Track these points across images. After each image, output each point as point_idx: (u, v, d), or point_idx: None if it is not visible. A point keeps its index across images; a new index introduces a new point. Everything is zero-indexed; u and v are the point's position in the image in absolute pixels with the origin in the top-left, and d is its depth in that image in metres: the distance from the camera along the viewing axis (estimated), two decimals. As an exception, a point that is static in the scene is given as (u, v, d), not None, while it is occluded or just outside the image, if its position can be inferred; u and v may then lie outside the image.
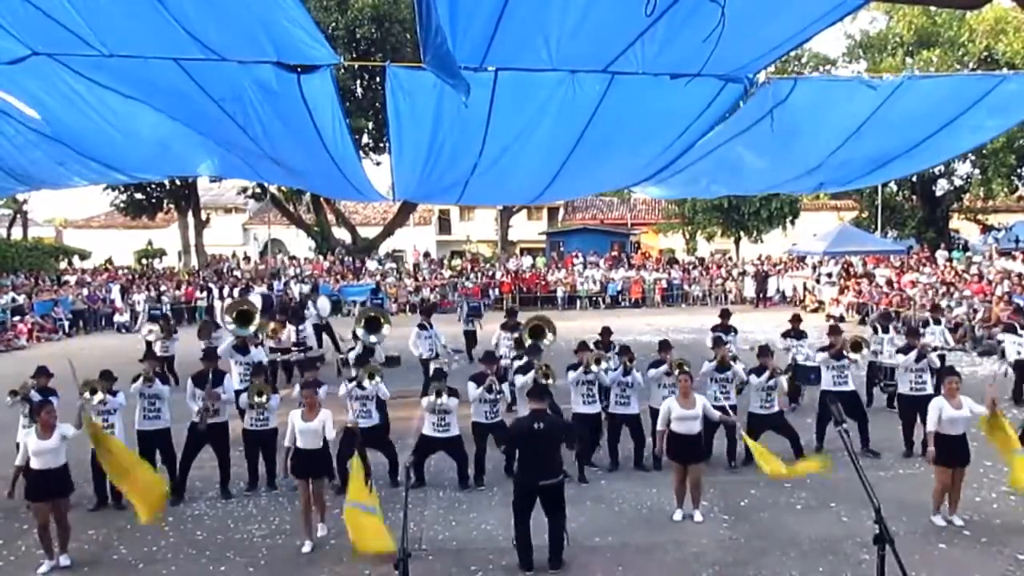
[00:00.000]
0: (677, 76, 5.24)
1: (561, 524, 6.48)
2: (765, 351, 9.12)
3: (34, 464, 6.63)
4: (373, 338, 9.86)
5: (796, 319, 11.91)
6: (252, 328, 10.50)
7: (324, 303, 15.78)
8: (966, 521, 7.15)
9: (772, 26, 4.69)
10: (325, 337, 15.64)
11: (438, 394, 8.16)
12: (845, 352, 9.38)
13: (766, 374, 8.74)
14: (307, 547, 6.93)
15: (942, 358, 10.68)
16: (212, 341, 12.00)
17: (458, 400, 8.36)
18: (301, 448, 7.07)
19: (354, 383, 8.41)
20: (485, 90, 5.46)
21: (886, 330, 11.71)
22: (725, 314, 12.14)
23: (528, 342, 9.94)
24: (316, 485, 7.08)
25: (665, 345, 9.16)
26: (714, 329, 11.65)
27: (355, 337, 10.23)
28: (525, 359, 9.24)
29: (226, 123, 6.25)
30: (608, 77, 5.38)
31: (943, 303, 19.49)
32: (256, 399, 8.18)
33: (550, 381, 8.38)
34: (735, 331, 11.76)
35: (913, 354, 9.24)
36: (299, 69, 5.06)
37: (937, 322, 12.14)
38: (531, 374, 8.47)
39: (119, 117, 6.47)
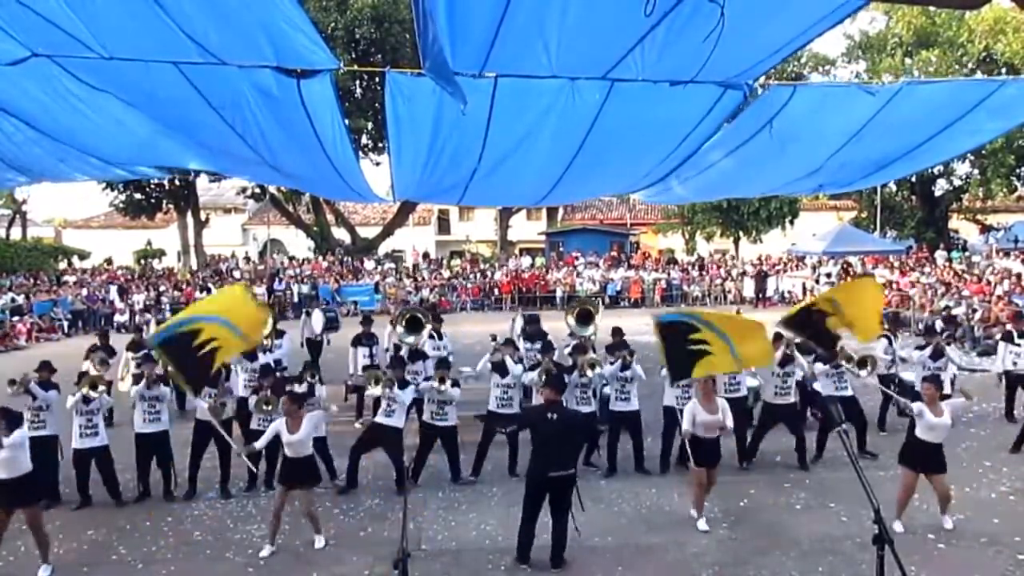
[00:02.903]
0: (677, 83, 5.25)
1: (564, 522, 6.49)
2: (778, 337, 9.13)
3: None
4: (411, 339, 9.54)
5: None
6: (264, 332, 9.84)
7: (318, 317, 14.39)
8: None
9: (771, 30, 4.69)
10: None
11: (441, 380, 8.22)
12: (843, 363, 9.12)
13: (778, 354, 8.71)
14: (266, 551, 6.88)
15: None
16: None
17: (460, 389, 8.48)
18: (288, 456, 7.04)
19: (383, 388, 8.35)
20: (485, 96, 5.46)
21: (895, 337, 10.92)
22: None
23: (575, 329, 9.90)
24: (305, 495, 7.02)
25: None
26: None
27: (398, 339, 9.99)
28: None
29: (225, 132, 6.25)
30: (608, 84, 5.38)
31: (942, 303, 19.50)
32: (264, 408, 8.18)
33: None
34: None
35: (928, 350, 9.19)
36: (299, 73, 5.06)
37: (953, 338, 11.08)
38: (538, 371, 8.55)
39: (116, 114, 6.46)
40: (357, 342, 11.07)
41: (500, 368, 8.77)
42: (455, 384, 8.46)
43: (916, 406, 7.01)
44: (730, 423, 7.39)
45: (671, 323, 6.89)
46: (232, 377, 8.65)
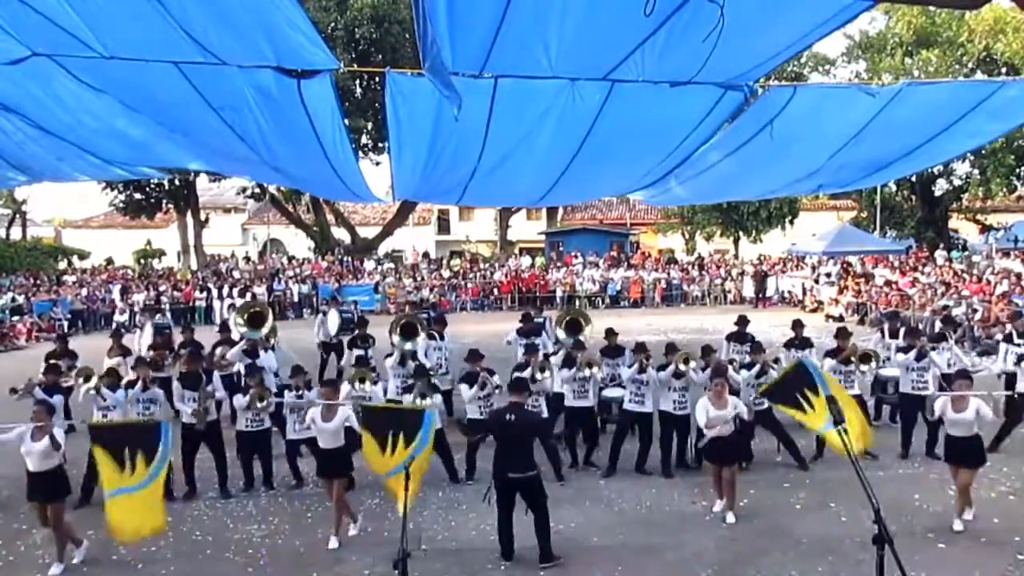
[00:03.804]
0: (677, 84, 5.26)
1: (544, 519, 6.54)
2: (758, 348, 9.27)
3: (28, 466, 6.66)
4: (409, 345, 9.46)
5: (798, 325, 10.96)
6: (264, 331, 9.86)
7: (333, 318, 13.77)
8: (966, 521, 7.17)
9: (772, 33, 4.70)
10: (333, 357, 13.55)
11: (422, 396, 8.21)
12: (853, 360, 9.20)
13: (755, 369, 8.79)
14: (333, 543, 6.97)
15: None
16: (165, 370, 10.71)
17: (441, 397, 8.51)
18: (322, 448, 7.14)
19: (350, 387, 8.43)
20: (484, 97, 5.47)
21: (895, 335, 10.90)
22: (742, 321, 11.18)
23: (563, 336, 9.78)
24: (336, 485, 7.09)
25: (672, 348, 9.06)
26: (729, 337, 10.95)
27: (392, 344, 9.86)
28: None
29: (225, 132, 6.25)
30: (608, 85, 5.39)
31: (942, 303, 19.50)
32: (257, 404, 8.19)
33: (545, 374, 8.49)
34: (752, 339, 10.75)
35: (913, 353, 9.22)
36: (299, 74, 5.07)
37: (947, 338, 10.60)
38: (528, 370, 8.55)
39: (116, 114, 6.47)
40: (352, 344, 10.96)
41: (470, 378, 8.76)
42: (435, 389, 8.49)
43: (939, 402, 7.12)
44: (745, 415, 7.43)
45: (804, 372, 7.22)
46: (215, 380, 8.65)
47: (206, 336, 12.82)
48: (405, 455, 6.21)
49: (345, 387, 8.42)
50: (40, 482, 6.65)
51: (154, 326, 16.12)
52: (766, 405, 8.92)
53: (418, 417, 6.40)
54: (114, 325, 23.61)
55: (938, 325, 13.12)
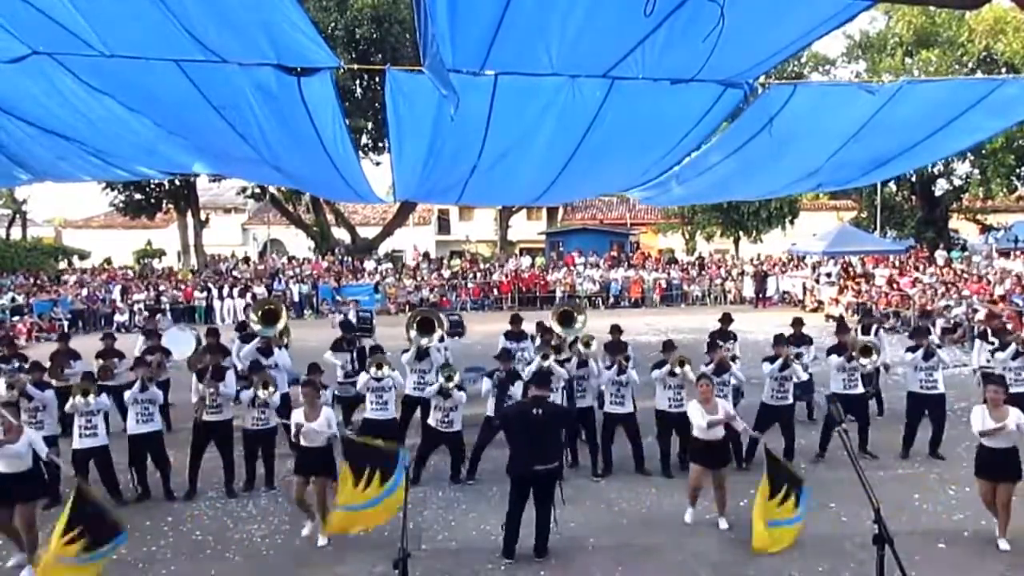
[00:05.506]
0: (677, 82, 5.26)
1: (548, 513, 6.56)
2: (780, 340, 9.15)
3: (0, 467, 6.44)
4: (424, 340, 9.39)
5: (798, 323, 10.77)
6: (278, 328, 9.67)
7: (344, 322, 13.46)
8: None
9: (772, 32, 4.70)
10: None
11: (447, 379, 8.23)
12: (854, 355, 9.11)
13: (778, 362, 8.74)
14: (307, 529, 7.08)
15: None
16: (67, 378, 9.65)
17: (465, 395, 8.46)
18: (304, 447, 7.07)
19: (370, 375, 8.46)
20: (485, 94, 5.47)
21: (867, 331, 11.13)
22: (726, 319, 11.19)
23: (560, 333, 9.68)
24: (319, 484, 7.06)
25: (669, 345, 9.03)
26: (712, 335, 10.84)
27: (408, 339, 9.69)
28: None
29: (226, 132, 6.25)
30: (608, 82, 5.39)
31: (942, 303, 19.49)
32: (260, 392, 8.20)
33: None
34: (734, 337, 10.83)
35: (920, 352, 9.18)
36: (299, 72, 5.07)
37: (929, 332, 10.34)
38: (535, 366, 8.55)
39: (116, 116, 6.47)
40: (336, 347, 10.66)
41: (515, 377, 8.62)
42: (460, 388, 8.45)
43: (978, 414, 6.59)
44: (732, 418, 7.32)
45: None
46: (228, 376, 8.64)
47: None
48: (379, 491, 6.36)
49: (363, 377, 8.55)
50: (6, 483, 6.38)
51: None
52: (789, 401, 8.89)
53: (394, 458, 6.37)
54: (115, 325, 23.74)
55: (940, 324, 13.16)
